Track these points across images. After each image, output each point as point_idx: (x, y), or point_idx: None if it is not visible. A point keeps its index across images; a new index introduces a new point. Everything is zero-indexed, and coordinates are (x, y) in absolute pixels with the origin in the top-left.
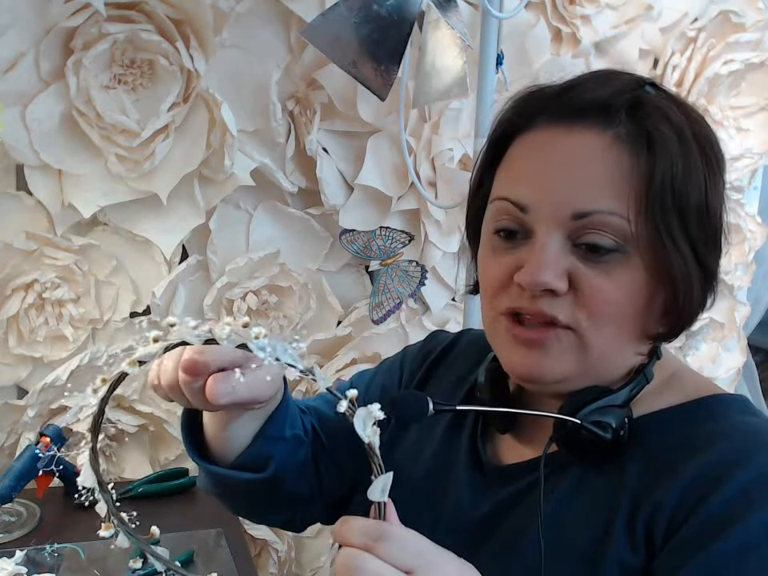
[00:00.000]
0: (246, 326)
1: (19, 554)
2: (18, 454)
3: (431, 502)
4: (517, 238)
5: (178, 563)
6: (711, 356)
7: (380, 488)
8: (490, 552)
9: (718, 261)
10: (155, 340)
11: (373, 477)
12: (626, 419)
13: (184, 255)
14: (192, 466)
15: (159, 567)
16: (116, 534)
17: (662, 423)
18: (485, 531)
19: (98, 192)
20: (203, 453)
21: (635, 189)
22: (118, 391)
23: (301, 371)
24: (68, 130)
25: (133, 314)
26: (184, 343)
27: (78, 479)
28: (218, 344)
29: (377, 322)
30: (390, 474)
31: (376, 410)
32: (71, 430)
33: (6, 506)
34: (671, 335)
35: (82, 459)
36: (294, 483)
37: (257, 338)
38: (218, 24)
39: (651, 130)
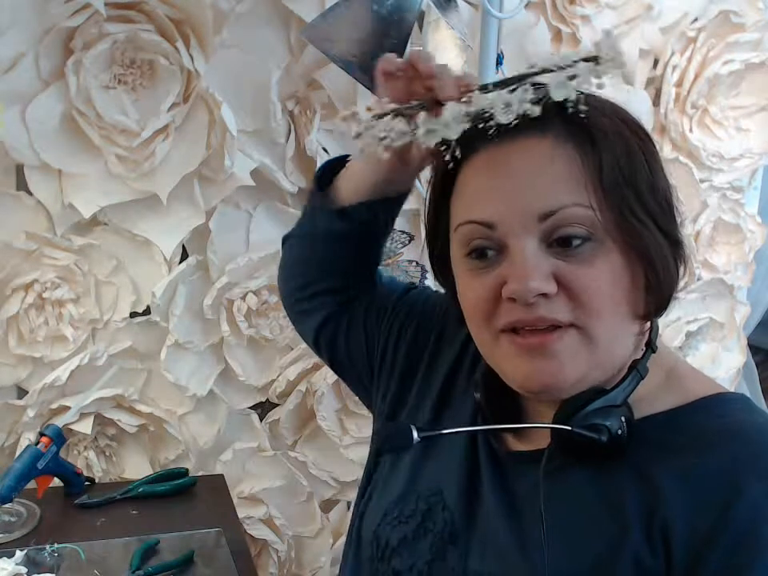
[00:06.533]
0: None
1: (19, 554)
2: (17, 454)
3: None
4: (490, 257)
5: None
6: (711, 356)
7: None
8: (498, 545)
9: (680, 230)
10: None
11: None
12: (625, 418)
13: (184, 255)
14: (191, 466)
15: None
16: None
17: (666, 424)
18: (491, 525)
19: (98, 192)
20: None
21: (590, 178)
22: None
23: None
24: (68, 130)
25: (133, 314)
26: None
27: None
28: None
29: None
30: None
31: None
32: (71, 429)
33: (6, 505)
34: (659, 310)
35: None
36: (367, 256)
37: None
38: (218, 24)
39: (587, 123)
